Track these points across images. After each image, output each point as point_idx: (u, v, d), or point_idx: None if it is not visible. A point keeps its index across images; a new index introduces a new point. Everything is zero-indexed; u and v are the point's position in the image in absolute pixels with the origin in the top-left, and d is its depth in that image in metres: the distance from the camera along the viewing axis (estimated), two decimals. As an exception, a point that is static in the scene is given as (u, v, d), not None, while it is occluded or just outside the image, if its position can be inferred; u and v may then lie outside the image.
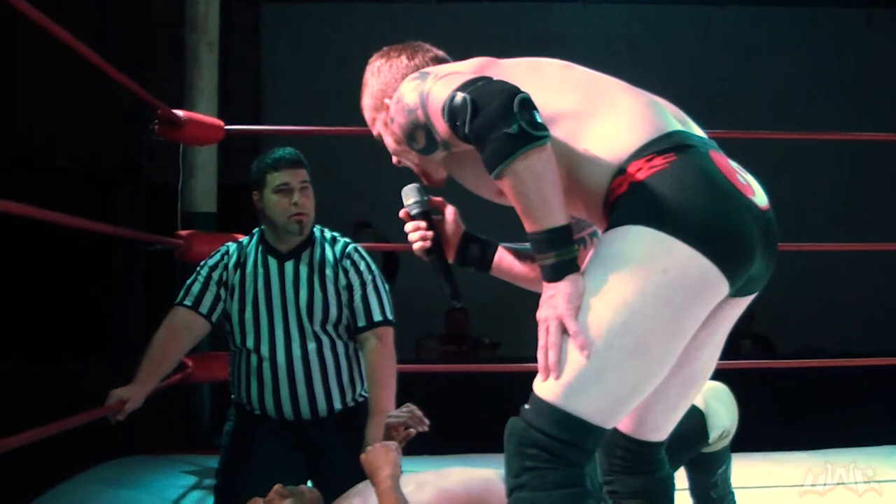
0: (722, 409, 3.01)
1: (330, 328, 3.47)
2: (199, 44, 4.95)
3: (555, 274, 1.97)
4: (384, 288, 3.52)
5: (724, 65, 9.74)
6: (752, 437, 4.94)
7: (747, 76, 9.70)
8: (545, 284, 1.99)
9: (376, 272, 3.53)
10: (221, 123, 4.60)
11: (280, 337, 3.43)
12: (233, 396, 3.63)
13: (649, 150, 1.98)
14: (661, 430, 2.19)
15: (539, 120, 1.94)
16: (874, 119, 8.37)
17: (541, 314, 2.00)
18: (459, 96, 1.98)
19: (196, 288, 3.49)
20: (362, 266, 3.50)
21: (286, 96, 8.66)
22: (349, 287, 3.46)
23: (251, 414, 3.53)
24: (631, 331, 1.91)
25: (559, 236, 1.95)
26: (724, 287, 1.96)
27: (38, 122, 6.67)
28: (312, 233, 3.53)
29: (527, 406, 2.01)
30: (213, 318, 3.50)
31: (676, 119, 2.11)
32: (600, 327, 1.93)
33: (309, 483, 3.30)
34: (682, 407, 2.19)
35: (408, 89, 2.14)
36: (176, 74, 5.07)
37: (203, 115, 4.65)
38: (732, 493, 3.15)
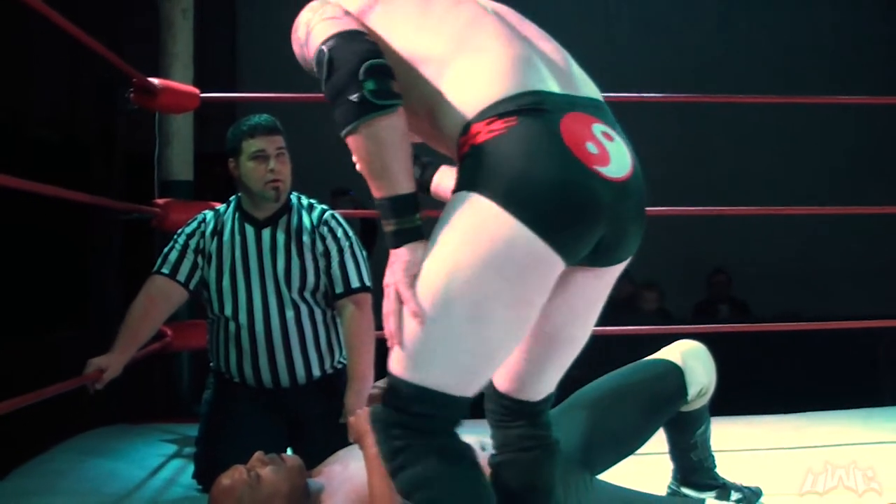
0: (699, 367, 3.02)
1: (308, 295, 3.47)
2: (174, 10, 4.92)
3: (395, 241, 1.98)
4: (362, 255, 3.52)
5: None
6: (729, 401, 4.97)
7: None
8: (390, 251, 2.00)
9: (354, 239, 3.53)
10: (197, 91, 4.58)
11: (258, 304, 3.43)
12: (211, 364, 3.63)
13: (495, 110, 1.94)
14: (535, 391, 2.19)
15: (388, 87, 1.94)
16: (855, 83, 8.37)
17: (384, 280, 2.01)
18: (324, 50, 1.99)
19: (173, 256, 3.48)
20: (339, 233, 3.50)
21: (263, 64, 8.62)
22: (326, 254, 3.46)
23: (230, 382, 3.54)
24: (466, 300, 1.92)
25: (399, 204, 1.96)
26: (555, 259, 1.92)
27: (11, 91, 6.62)
28: (289, 200, 3.53)
29: (382, 384, 2.04)
30: (191, 286, 3.50)
31: (551, 74, 2.05)
32: (435, 296, 1.93)
33: (289, 450, 3.31)
34: (551, 367, 2.17)
35: (302, 20, 2.13)
36: (151, 42, 5.04)
37: (178, 83, 4.62)
38: (713, 456, 3.16)
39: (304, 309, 3.46)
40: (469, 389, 1.99)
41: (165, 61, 4.88)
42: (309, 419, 3.47)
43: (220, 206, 3.63)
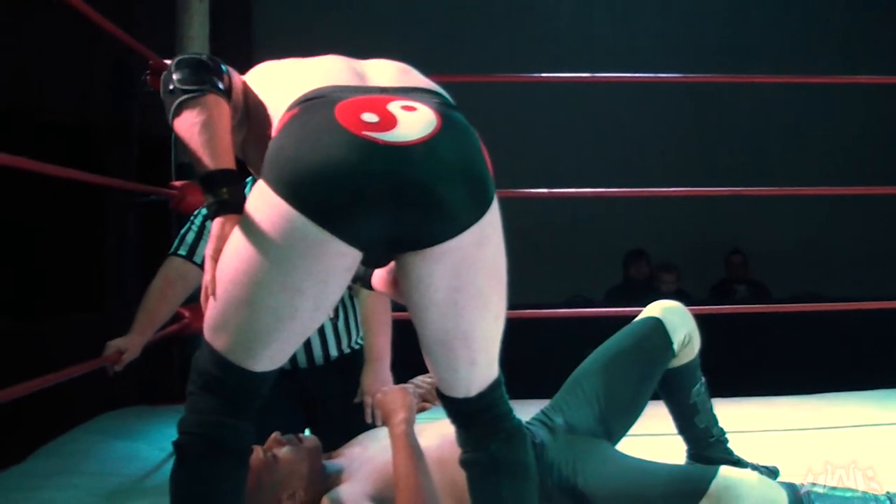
0: (675, 317, 3.09)
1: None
2: (190, -8, 4.92)
3: (210, 213, 2.06)
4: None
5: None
6: (746, 382, 4.98)
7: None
8: None
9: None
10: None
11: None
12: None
13: (289, 108, 2.03)
14: (455, 388, 2.17)
15: (195, 76, 2.08)
16: (871, 62, 8.34)
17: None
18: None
19: (190, 237, 3.49)
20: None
21: (279, 45, 8.61)
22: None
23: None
24: (241, 280, 1.98)
25: (210, 180, 2.04)
26: (325, 237, 1.91)
27: (26, 75, 6.63)
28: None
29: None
30: None
31: (357, 75, 2.11)
32: (223, 272, 2.01)
33: (306, 431, 3.32)
34: (460, 366, 2.13)
35: None
36: (167, 24, 5.04)
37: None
38: (722, 429, 3.19)
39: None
40: (248, 363, 2.04)
41: (182, 43, 4.88)
42: (327, 400, 3.48)
43: (240, 188, 3.63)
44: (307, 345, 3.46)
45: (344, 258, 1.95)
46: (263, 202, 1.95)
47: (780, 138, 9.43)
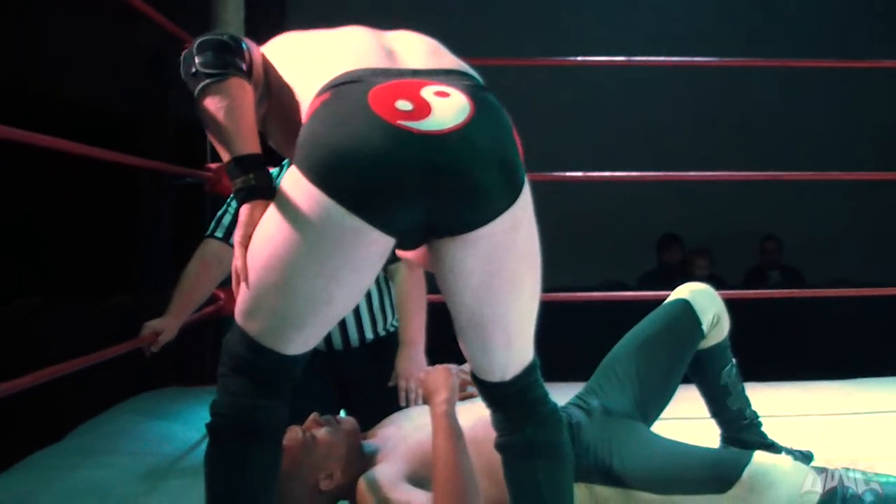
0: (704, 298, 3.11)
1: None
2: (225, -24, 4.93)
3: (238, 199, 2.06)
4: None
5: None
6: (781, 367, 4.96)
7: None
8: None
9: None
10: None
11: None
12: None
13: (320, 91, 2.01)
14: (490, 372, 2.16)
15: (218, 59, 2.06)
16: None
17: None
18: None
19: (227, 220, 3.50)
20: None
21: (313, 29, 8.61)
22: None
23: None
24: (275, 266, 1.97)
25: (237, 165, 2.04)
26: (360, 226, 1.91)
27: (63, 58, 6.67)
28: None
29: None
30: None
31: (388, 56, 2.08)
32: (255, 258, 2.01)
33: (342, 413, 3.34)
34: (496, 349, 2.12)
35: None
36: (202, 6, 5.05)
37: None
38: (755, 412, 3.19)
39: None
40: (281, 346, 2.04)
41: (216, 26, 4.89)
42: (361, 382, 3.49)
43: (273, 170, 3.64)
44: (342, 327, 3.47)
45: (378, 245, 1.96)
46: (297, 189, 1.95)
47: (816, 123, 9.38)
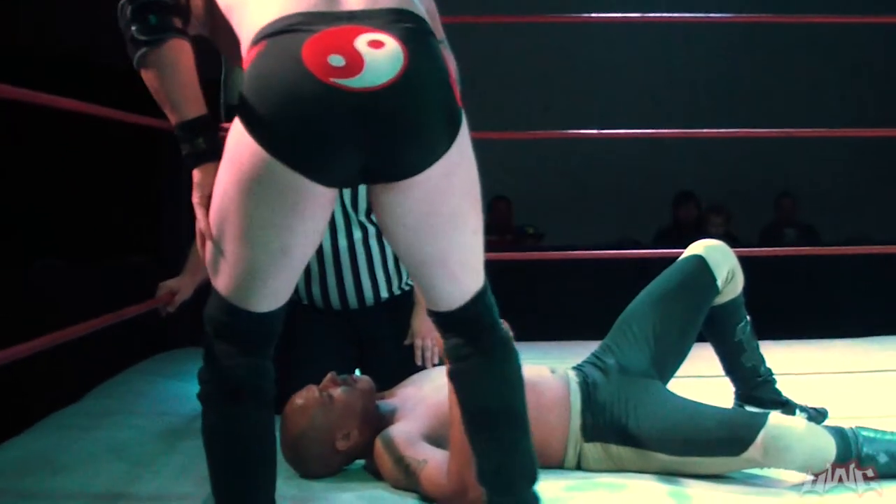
0: (718, 254, 3.13)
1: (375, 217, 3.48)
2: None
3: (189, 163, 2.08)
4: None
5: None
6: (797, 325, 4.96)
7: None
8: None
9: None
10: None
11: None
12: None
13: (257, 37, 2.00)
14: (437, 303, 2.16)
15: (152, 22, 2.04)
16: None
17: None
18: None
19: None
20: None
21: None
22: (393, 177, 3.46)
23: (298, 304, 3.57)
24: (229, 219, 2.00)
25: (185, 129, 2.06)
26: (300, 180, 1.94)
27: (79, 19, 6.66)
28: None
29: None
30: None
31: None
32: (213, 214, 2.04)
33: (357, 372, 3.35)
34: (440, 283, 2.12)
35: None
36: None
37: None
38: (769, 369, 3.20)
39: (371, 230, 3.48)
40: (251, 303, 2.06)
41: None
42: (377, 341, 3.51)
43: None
44: (357, 285, 3.48)
45: (321, 197, 1.99)
46: (240, 141, 1.97)
47: (833, 80, 9.33)
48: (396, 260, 3.53)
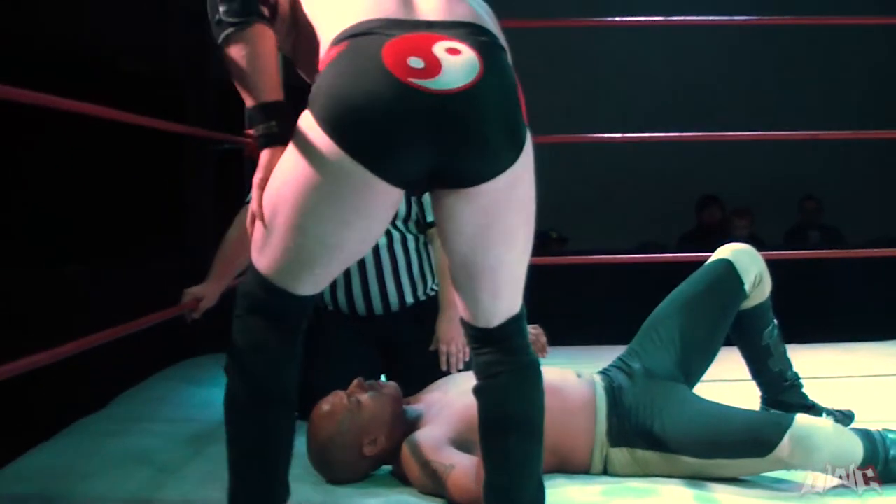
0: (746, 258, 3.12)
1: (400, 223, 3.49)
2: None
3: (259, 144, 2.12)
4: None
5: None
6: (823, 328, 4.94)
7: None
8: None
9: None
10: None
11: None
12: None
13: (336, 40, 2.04)
14: (477, 318, 2.18)
15: (241, 5, 2.09)
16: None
17: None
18: None
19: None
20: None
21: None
22: (418, 182, 3.45)
23: (324, 310, 3.58)
24: (289, 206, 2.03)
25: (257, 112, 2.11)
26: (367, 177, 1.97)
27: (101, 23, 6.68)
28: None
29: None
30: None
31: (406, 4, 2.09)
32: (270, 198, 2.07)
33: (382, 377, 3.35)
34: (484, 298, 2.15)
35: None
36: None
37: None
38: (796, 373, 3.19)
39: (396, 236, 3.48)
40: (292, 286, 2.09)
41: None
42: (402, 346, 3.51)
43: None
44: (383, 291, 3.49)
45: (387, 195, 2.01)
46: (311, 136, 2.00)
47: (857, 81, 9.29)
48: (421, 265, 3.53)
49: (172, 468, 3.00)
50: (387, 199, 2.02)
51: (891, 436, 2.70)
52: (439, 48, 1.98)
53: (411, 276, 3.50)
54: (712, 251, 3.21)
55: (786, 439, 2.64)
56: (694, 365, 3.03)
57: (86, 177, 6.02)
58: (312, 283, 2.11)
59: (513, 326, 2.20)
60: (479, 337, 2.20)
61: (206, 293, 3.37)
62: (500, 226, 2.08)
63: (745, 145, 8.38)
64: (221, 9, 2.11)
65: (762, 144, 8.25)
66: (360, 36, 2.00)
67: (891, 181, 9.05)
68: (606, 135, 5.67)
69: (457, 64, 1.98)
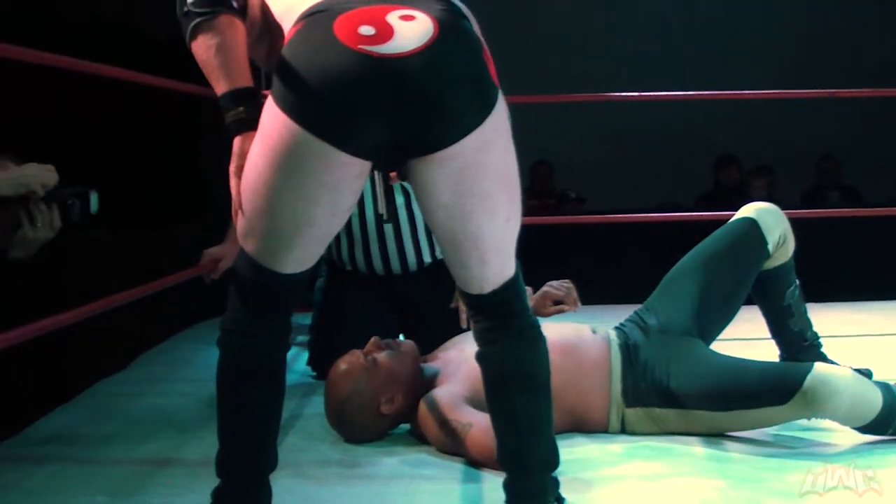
0: (771, 217, 3.12)
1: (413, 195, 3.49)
2: None
3: (231, 131, 2.12)
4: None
5: None
6: (841, 287, 4.94)
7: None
8: None
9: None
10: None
11: (367, 191, 3.45)
12: (323, 253, 3.67)
13: (295, 22, 2.05)
14: (468, 285, 2.17)
15: None
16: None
17: None
18: None
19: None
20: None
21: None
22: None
23: (342, 270, 3.59)
24: (260, 190, 2.03)
25: (230, 99, 2.11)
26: (326, 149, 1.95)
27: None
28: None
29: None
30: None
31: None
32: (245, 183, 2.07)
33: (400, 336, 3.36)
34: (472, 265, 2.13)
35: None
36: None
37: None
38: (816, 333, 3.19)
39: (413, 195, 3.48)
40: (274, 264, 2.09)
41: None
42: (420, 305, 3.52)
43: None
44: (401, 250, 3.50)
45: (351, 167, 2.00)
46: (271, 116, 2.01)
47: (874, 40, 9.24)
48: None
49: (193, 428, 3.02)
50: (350, 171, 2.00)
51: None
52: (393, 16, 1.97)
53: (429, 234, 3.51)
54: (730, 211, 3.21)
55: (806, 384, 2.64)
56: (711, 322, 3.03)
57: (104, 141, 6.02)
58: (295, 263, 2.11)
59: (508, 292, 2.18)
60: (474, 304, 2.20)
61: (224, 253, 3.38)
62: (477, 191, 2.04)
63: (762, 104, 8.35)
64: (190, 0, 2.12)
65: (780, 103, 8.20)
66: (315, 14, 2.00)
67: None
68: (622, 94, 5.64)
69: (410, 29, 1.95)
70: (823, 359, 3.16)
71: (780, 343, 3.22)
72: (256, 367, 2.16)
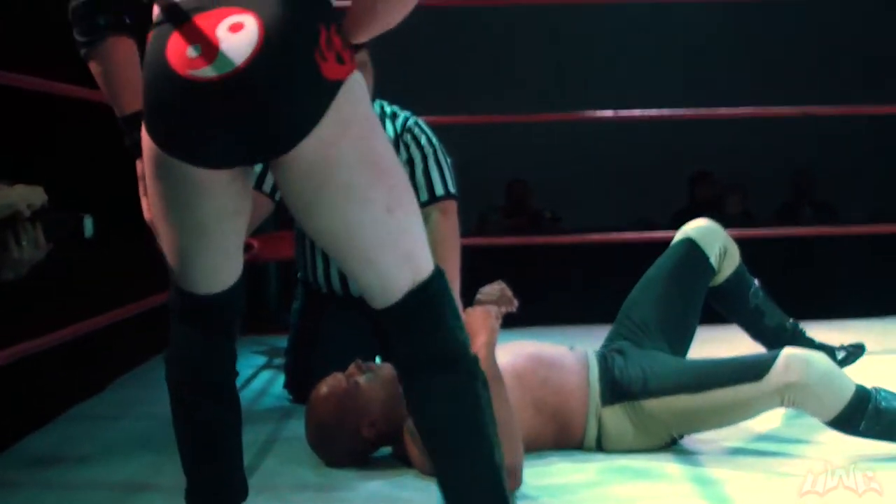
0: (707, 234, 3.18)
1: None
2: None
3: (134, 156, 2.14)
4: (446, 161, 3.50)
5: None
6: (816, 304, 4.95)
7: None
8: None
9: (437, 145, 3.51)
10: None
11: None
12: (299, 275, 3.67)
13: (154, 24, 2.03)
14: (371, 296, 2.02)
15: (89, 24, 2.10)
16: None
17: None
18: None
19: (259, 167, 3.50)
20: (423, 140, 3.48)
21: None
22: (410, 162, 3.44)
23: (318, 292, 3.58)
24: (155, 206, 2.06)
25: (126, 124, 2.13)
26: (182, 166, 1.97)
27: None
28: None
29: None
30: (276, 197, 3.46)
31: None
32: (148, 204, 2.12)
33: (377, 359, 3.36)
34: (357, 267, 2.02)
35: None
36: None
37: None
38: (796, 322, 3.26)
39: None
40: (188, 285, 2.09)
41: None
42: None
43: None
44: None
45: (217, 176, 1.99)
46: (145, 138, 2.03)
47: (850, 57, 9.29)
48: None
49: (169, 452, 2.98)
50: (218, 179, 1.99)
51: (884, 391, 2.77)
52: (222, 28, 1.93)
53: (405, 256, 3.50)
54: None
55: (780, 358, 2.71)
56: (674, 342, 3.08)
57: (93, 155, 6.00)
58: (204, 279, 2.09)
59: (418, 299, 2.00)
60: (383, 321, 2.04)
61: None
62: (334, 185, 1.95)
63: (737, 121, 8.39)
64: (75, 29, 2.12)
65: (755, 120, 8.24)
66: (160, 25, 1.99)
67: (884, 157, 9.06)
68: (597, 112, 5.66)
69: (236, 42, 1.91)
70: (812, 341, 3.25)
71: (764, 344, 3.25)
72: (201, 387, 2.16)
